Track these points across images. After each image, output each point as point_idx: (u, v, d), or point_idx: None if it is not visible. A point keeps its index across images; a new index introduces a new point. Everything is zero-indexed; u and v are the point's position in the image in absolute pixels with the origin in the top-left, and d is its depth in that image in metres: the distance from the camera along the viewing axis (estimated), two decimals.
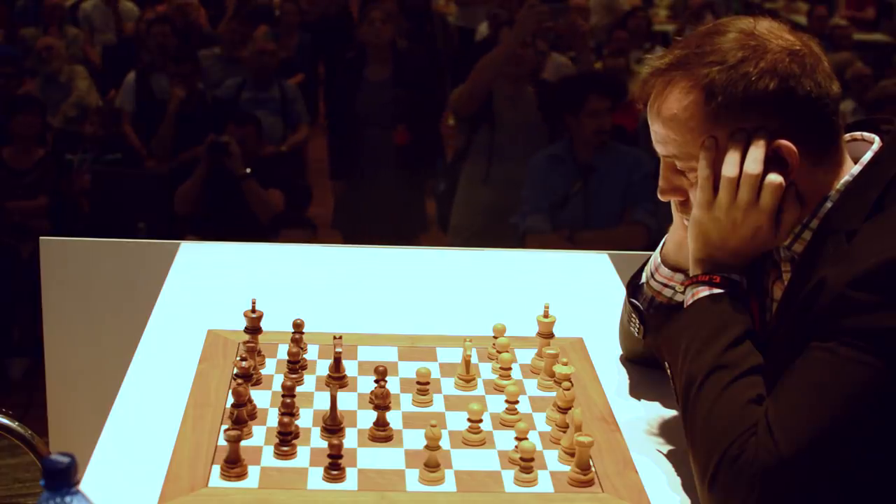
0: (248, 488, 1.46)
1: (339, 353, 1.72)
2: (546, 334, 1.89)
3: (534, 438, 1.59)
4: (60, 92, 6.38)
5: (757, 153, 1.43)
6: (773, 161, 1.43)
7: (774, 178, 1.43)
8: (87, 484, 1.42)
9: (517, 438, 1.55)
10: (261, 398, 1.67)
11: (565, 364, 1.67)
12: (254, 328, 1.81)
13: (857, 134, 1.53)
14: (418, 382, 1.71)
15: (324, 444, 1.54)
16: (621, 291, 1.84)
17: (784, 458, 1.29)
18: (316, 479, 1.48)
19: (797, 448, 1.29)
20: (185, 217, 5.37)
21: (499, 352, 1.82)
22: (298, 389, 1.66)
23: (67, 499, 1.11)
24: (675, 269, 1.69)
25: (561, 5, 5.16)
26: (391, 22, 5.55)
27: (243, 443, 1.50)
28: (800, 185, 1.45)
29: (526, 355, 1.85)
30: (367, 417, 1.62)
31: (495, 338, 1.85)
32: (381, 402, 1.59)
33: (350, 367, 1.77)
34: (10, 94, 5.86)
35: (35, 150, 5.42)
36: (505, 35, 5.09)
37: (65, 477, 1.11)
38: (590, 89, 4.49)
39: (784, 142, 1.42)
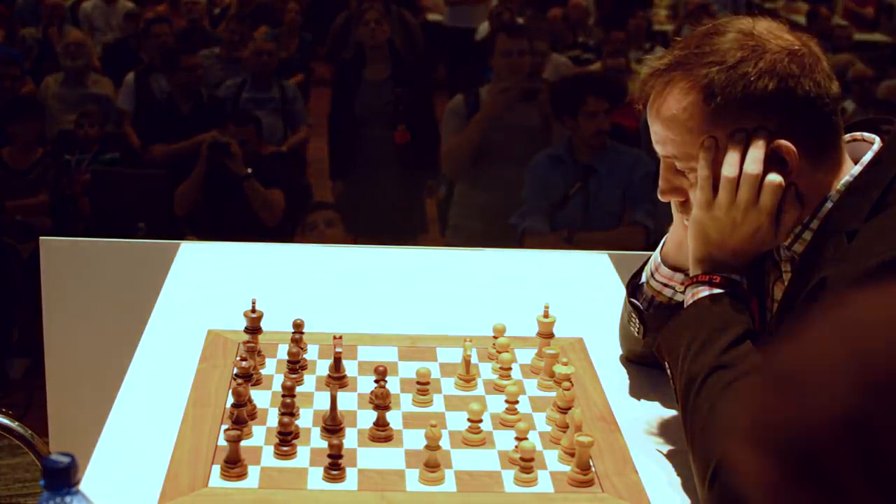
0: (248, 488, 1.46)
1: (339, 353, 1.72)
2: (546, 334, 1.89)
3: (534, 438, 1.59)
4: (79, 92, 6.35)
5: (756, 153, 1.43)
6: (773, 161, 1.43)
7: (774, 178, 1.43)
8: (87, 484, 1.42)
9: (517, 438, 1.55)
10: (261, 398, 1.67)
11: (565, 364, 1.67)
12: (254, 328, 1.81)
13: (858, 134, 1.53)
14: (418, 382, 1.70)
15: (324, 444, 1.54)
16: (621, 291, 1.84)
17: None
18: (316, 479, 1.48)
19: None
20: (185, 217, 5.37)
21: (499, 352, 1.82)
22: (298, 389, 1.66)
23: (67, 499, 1.11)
24: (675, 269, 1.69)
25: (535, 87, 5.03)
26: (386, 22, 5.55)
27: (243, 443, 1.50)
28: (800, 185, 1.45)
29: (526, 355, 1.85)
30: (367, 417, 1.62)
31: (495, 338, 1.85)
32: (381, 402, 1.59)
33: (350, 367, 1.77)
34: (14, 95, 5.86)
35: (35, 150, 5.42)
36: (482, 108, 5.03)
37: (65, 477, 1.11)
38: (587, 91, 4.49)
39: (783, 142, 1.43)
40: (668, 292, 1.71)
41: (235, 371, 1.67)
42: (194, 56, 5.99)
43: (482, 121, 4.77)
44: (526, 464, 1.50)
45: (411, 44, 7.51)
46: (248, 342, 1.77)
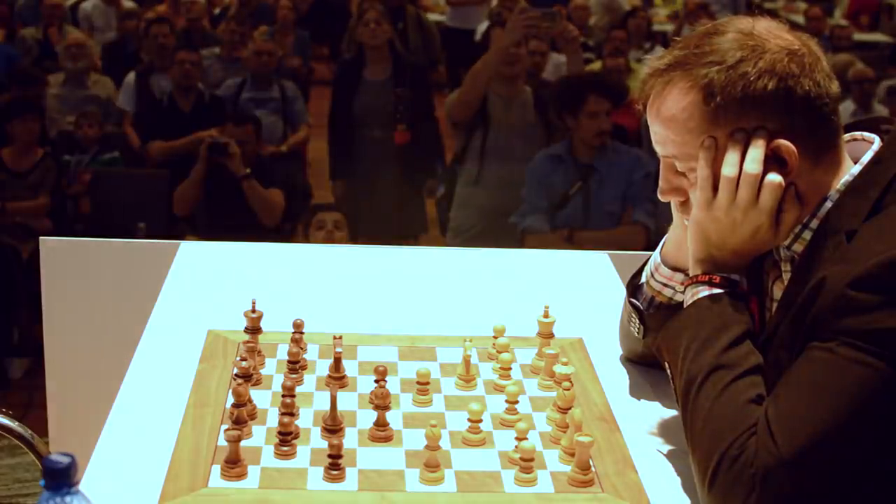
0: (248, 488, 1.46)
1: (339, 353, 1.72)
2: (546, 334, 1.89)
3: (534, 438, 1.59)
4: (79, 92, 6.35)
5: (756, 153, 1.43)
6: (773, 161, 1.44)
7: (774, 177, 1.43)
8: (87, 484, 1.42)
9: (517, 438, 1.55)
10: (261, 398, 1.67)
11: (565, 364, 1.67)
12: (254, 328, 1.81)
13: (857, 134, 1.53)
14: (418, 382, 1.71)
15: (324, 444, 1.54)
16: (621, 291, 1.84)
17: (784, 458, 1.29)
18: (316, 479, 1.48)
19: (797, 448, 1.29)
20: (184, 217, 5.37)
21: (499, 352, 1.82)
22: (298, 389, 1.66)
23: (67, 499, 1.11)
24: (675, 269, 1.69)
25: (552, 10, 5.16)
26: (386, 22, 5.55)
27: (243, 443, 1.50)
28: (799, 185, 1.45)
29: (526, 355, 1.85)
30: (367, 417, 1.62)
31: (495, 338, 1.85)
32: (381, 402, 1.59)
33: (350, 367, 1.77)
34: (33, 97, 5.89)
35: (35, 151, 5.43)
36: (496, 38, 5.08)
37: (65, 477, 1.11)
38: (589, 90, 4.49)
39: (783, 141, 1.43)
40: (668, 292, 1.71)
41: (235, 371, 1.67)
42: (191, 52, 5.98)
43: (493, 57, 4.73)
44: (526, 464, 1.50)
45: (428, 45, 7.50)
46: (248, 342, 1.77)
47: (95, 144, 5.86)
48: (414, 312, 2.06)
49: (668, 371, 1.52)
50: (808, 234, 1.47)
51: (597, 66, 6.68)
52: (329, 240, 4.78)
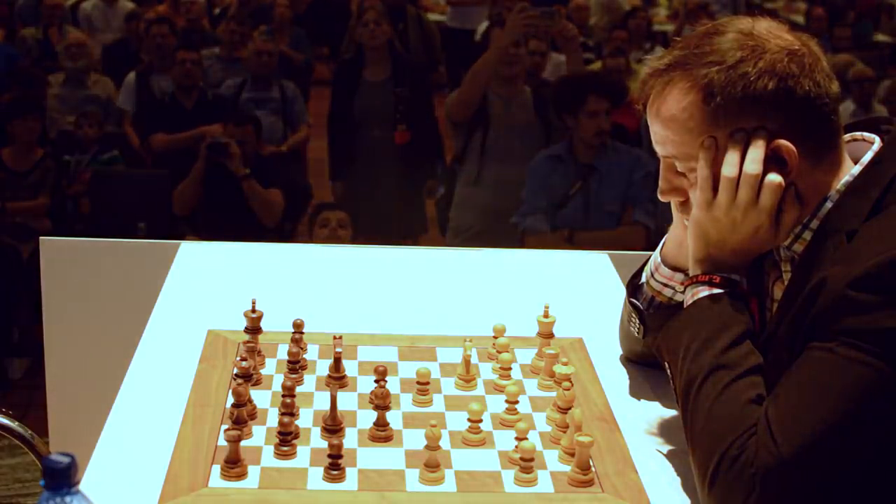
0: (248, 488, 1.46)
1: (339, 353, 1.72)
2: (546, 334, 1.89)
3: (534, 438, 1.59)
4: (79, 92, 6.35)
5: (756, 153, 1.43)
6: (773, 161, 1.44)
7: (774, 177, 1.43)
8: (87, 484, 1.42)
9: (517, 438, 1.55)
10: (261, 398, 1.67)
11: (565, 364, 1.67)
12: (254, 328, 1.81)
13: (858, 134, 1.53)
14: (418, 382, 1.71)
15: (324, 444, 1.54)
16: (621, 291, 1.84)
17: (784, 458, 1.30)
18: (316, 479, 1.48)
19: (797, 448, 1.29)
20: (184, 217, 5.37)
21: (499, 352, 1.82)
22: (298, 389, 1.66)
23: (67, 499, 1.11)
24: (675, 269, 1.69)
25: (551, 9, 5.18)
26: (386, 22, 5.54)
27: (243, 443, 1.50)
28: (799, 185, 1.45)
29: (526, 355, 1.85)
30: (367, 417, 1.62)
31: (495, 338, 1.85)
32: (381, 402, 1.59)
33: (350, 367, 1.77)
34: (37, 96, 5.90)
35: (35, 151, 5.43)
36: (495, 38, 5.08)
37: (65, 477, 1.11)
38: (589, 90, 4.49)
39: (783, 142, 1.43)
40: (668, 292, 1.71)
41: (235, 371, 1.67)
42: (191, 52, 5.98)
43: (492, 56, 4.73)
44: (526, 464, 1.50)
45: (428, 45, 7.50)
46: (248, 342, 1.77)
47: (95, 144, 5.85)
48: (414, 312, 2.06)
49: (668, 371, 1.52)
50: (808, 235, 1.47)
51: (597, 66, 6.68)
52: (333, 238, 4.79)
